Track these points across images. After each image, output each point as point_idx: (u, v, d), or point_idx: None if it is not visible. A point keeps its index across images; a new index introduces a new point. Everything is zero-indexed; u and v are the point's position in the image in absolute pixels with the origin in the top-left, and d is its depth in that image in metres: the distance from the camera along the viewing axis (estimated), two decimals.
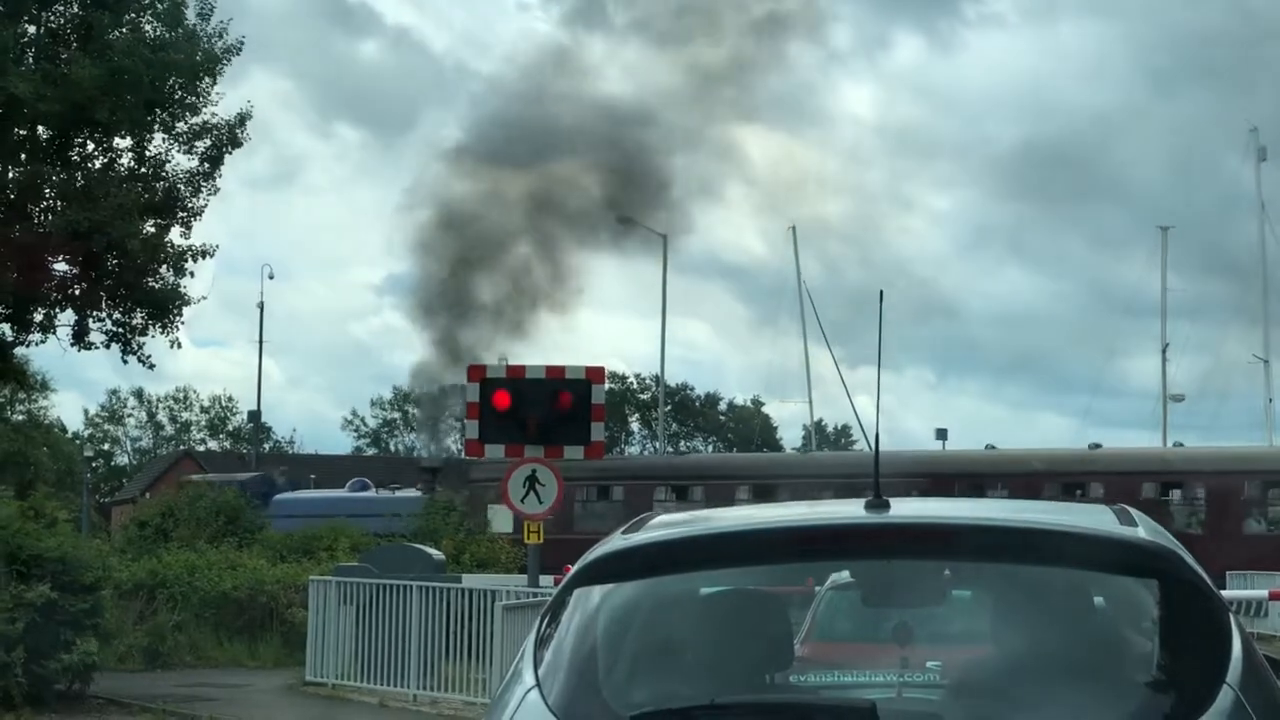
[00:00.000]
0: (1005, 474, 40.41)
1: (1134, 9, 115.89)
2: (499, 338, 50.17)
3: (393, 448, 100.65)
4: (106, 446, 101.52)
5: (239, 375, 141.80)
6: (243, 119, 28.07)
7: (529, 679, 4.30)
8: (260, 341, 69.42)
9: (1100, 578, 4.46)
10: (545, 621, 4.53)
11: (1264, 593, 26.85)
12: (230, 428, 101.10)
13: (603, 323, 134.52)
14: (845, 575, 5.81)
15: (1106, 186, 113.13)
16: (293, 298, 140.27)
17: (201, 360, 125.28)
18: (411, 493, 43.42)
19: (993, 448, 44.08)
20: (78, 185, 26.96)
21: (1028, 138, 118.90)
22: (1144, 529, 4.53)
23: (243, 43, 28.06)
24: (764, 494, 40.14)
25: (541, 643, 4.44)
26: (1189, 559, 4.42)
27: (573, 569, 4.70)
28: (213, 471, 57.33)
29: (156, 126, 27.57)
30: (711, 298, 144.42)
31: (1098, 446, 43.47)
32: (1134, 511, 4.76)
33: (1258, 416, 61.03)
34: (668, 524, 4.84)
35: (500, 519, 42.45)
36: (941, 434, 55.66)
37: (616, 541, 4.68)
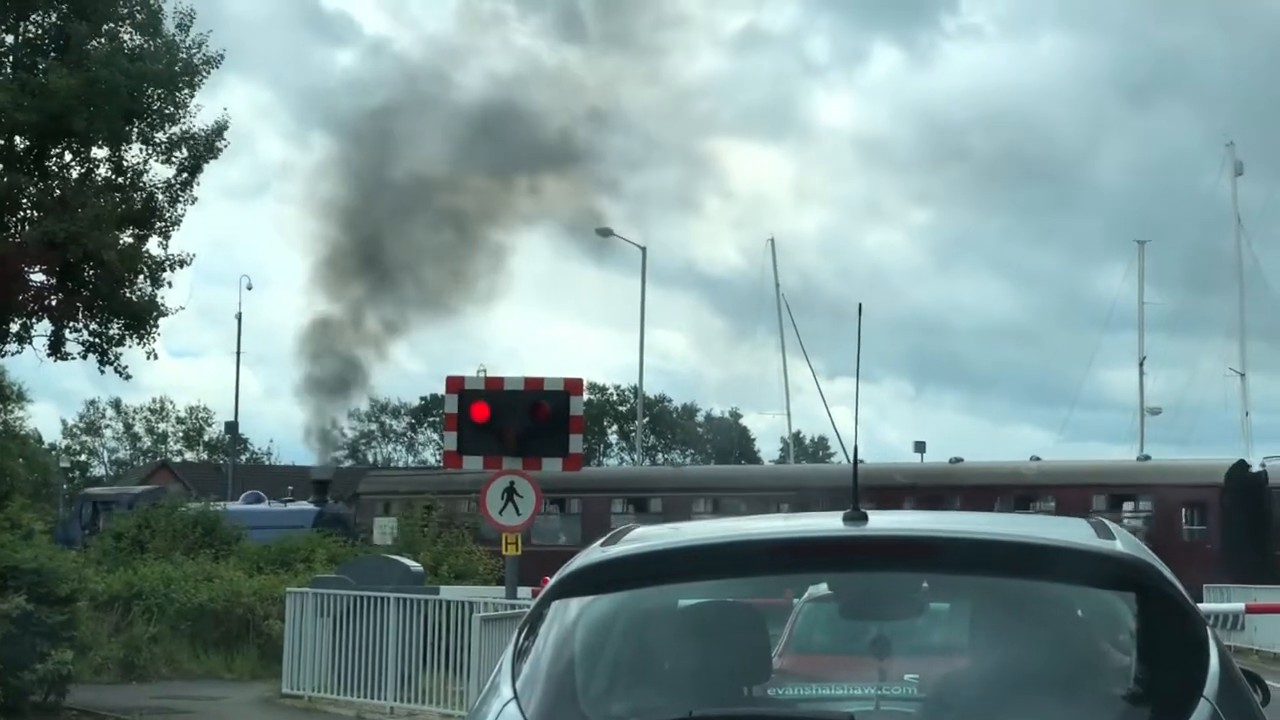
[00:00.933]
0: (870, 486, 40.20)
1: (1112, 23, 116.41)
2: (409, 312, 49.81)
3: (370, 459, 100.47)
4: (83, 457, 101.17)
5: (215, 386, 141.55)
6: (220, 129, 28.05)
7: (507, 691, 4.29)
8: (238, 352, 69.26)
9: (1078, 591, 4.47)
10: (523, 634, 4.52)
11: (1240, 606, 26.94)
12: (207, 439, 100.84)
13: (581, 334, 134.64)
14: (823, 588, 5.80)
15: (1084, 199, 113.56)
16: (269, 308, 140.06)
17: (178, 371, 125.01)
18: (305, 505, 43.15)
19: (959, 460, 44.35)
20: (54, 195, 26.89)
21: (1006, 150, 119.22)
22: (1121, 542, 4.54)
23: (223, 55, 28.07)
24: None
25: (520, 655, 4.43)
26: (1167, 572, 4.43)
27: (551, 581, 4.70)
28: (191, 482, 57.16)
29: (134, 136, 27.52)
30: (689, 309, 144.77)
31: (959, 460, 44.09)
32: (1112, 525, 4.78)
33: (1234, 430, 61.27)
34: (646, 536, 4.84)
35: (380, 532, 43.25)
36: (920, 446, 55.62)
37: (595, 553, 4.67)
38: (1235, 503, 36.75)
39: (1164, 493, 37.70)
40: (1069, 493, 38.98)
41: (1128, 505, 39.17)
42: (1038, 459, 43.17)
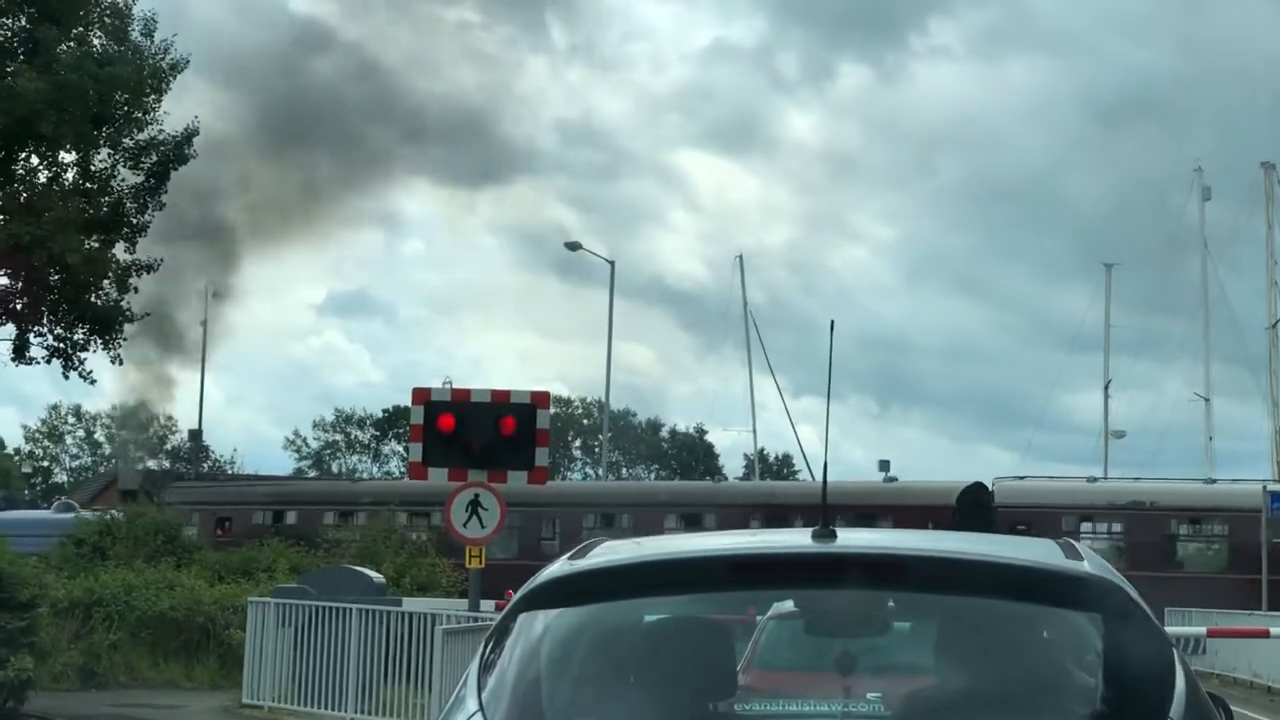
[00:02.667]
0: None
1: (1080, 45, 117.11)
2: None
3: (334, 469, 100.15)
4: (45, 463, 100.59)
5: (178, 393, 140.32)
6: (190, 136, 27.95)
7: (472, 705, 4.28)
8: (203, 360, 68.91)
9: (1045, 611, 4.47)
10: (489, 646, 4.51)
11: (1202, 630, 27.04)
12: (169, 446, 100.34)
13: (545, 347, 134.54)
14: (788, 605, 5.79)
15: (1052, 221, 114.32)
16: (232, 315, 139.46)
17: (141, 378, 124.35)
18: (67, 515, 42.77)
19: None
20: (20, 199, 26.76)
21: (974, 170, 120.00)
22: (1089, 563, 4.55)
23: (188, 60, 27.97)
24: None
25: (485, 668, 4.42)
26: (1133, 593, 4.43)
27: (517, 593, 4.68)
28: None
29: (102, 141, 27.41)
30: (654, 323, 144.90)
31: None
32: (1079, 545, 4.79)
33: (1198, 454, 61.56)
34: (614, 550, 4.83)
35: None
36: (884, 465, 55.70)
37: (562, 566, 4.66)
38: (965, 521, 37.99)
39: (903, 513, 39.15)
40: (811, 514, 39.61)
41: (878, 522, 39.61)
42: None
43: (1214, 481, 43.69)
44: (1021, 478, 42.98)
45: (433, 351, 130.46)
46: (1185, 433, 64.51)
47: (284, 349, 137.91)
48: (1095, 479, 44.17)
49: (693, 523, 41.80)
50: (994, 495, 40.99)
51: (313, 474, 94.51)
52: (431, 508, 45.52)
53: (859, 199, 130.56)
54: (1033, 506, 39.43)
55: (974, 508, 39.50)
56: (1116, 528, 39.31)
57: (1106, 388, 65.51)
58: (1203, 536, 40.42)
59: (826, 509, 4.72)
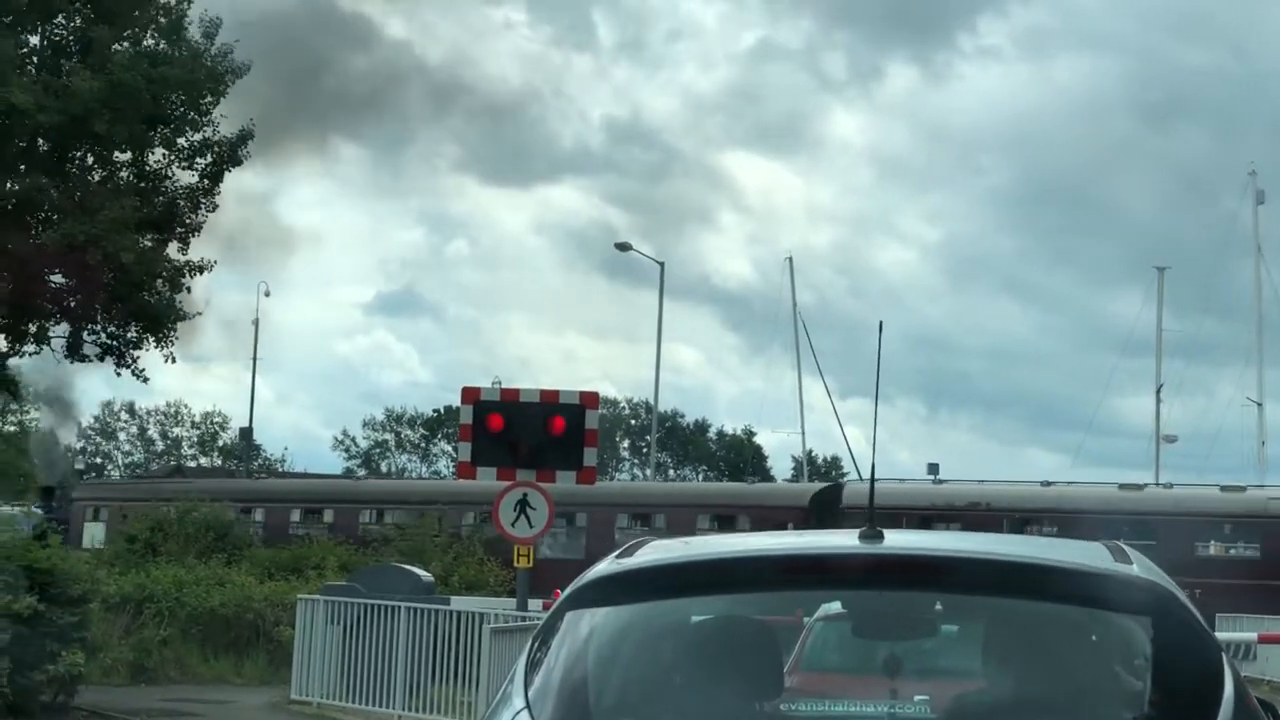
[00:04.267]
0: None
1: (1129, 45, 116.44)
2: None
3: (384, 469, 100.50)
4: (98, 460, 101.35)
5: (226, 391, 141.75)
6: (245, 137, 28.10)
7: (519, 702, 4.29)
8: (254, 359, 69.38)
9: (1093, 614, 4.45)
10: (537, 644, 4.52)
11: (1252, 635, 26.87)
12: (221, 444, 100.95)
13: (592, 347, 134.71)
14: (835, 606, 5.79)
15: (1102, 222, 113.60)
16: (280, 314, 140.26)
17: (188, 376, 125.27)
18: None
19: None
20: (75, 198, 26.96)
21: (1022, 171, 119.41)
22: (1138, 566, 4.53)
23: (249, 66, 28.09)
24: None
25: (533, 666, 4.43)
26: (1183, 597, 4.41)
27: (565, 592, 4.70)
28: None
29: (156, 141, 27.60)
30: (701, 324, 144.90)
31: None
32: (1128, 549, 4.76)
33: (1250, 459, 61.02)
34: (661, 549, 4.84)
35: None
36: (933, 468, 55.49)
37: (610, 565, 4.67)
38: (819, 522, 39.55)
39: (758, 513, 41.82)
40: (679, 512, 43.45)
41: (738, 523, 42.68)
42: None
43: (1142, 487, 43.58)
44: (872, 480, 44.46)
45: (479, 351, 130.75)
46: (1237, 437, 63.95)
47: (332, 348, 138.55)
48: (941, 480, 44.92)
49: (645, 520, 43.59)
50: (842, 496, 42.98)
51: (361, 473, 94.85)
52: (332, 505, 47.44)
53: (906, 200, 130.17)
54: (878, 508, 39.92)
55: (825, 508, 41.51)
56: (955, 527, 39.37)
57: (1158, 392, 65.04)
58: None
59: (874, 511, 4.72)
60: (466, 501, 44.03)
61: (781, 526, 39.04)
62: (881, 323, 5.40)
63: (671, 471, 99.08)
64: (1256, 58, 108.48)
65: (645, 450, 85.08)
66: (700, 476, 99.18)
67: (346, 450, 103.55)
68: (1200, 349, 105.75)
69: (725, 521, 43.20)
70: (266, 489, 51.18)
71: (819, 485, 47.68)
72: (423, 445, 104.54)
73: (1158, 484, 44.53)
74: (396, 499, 48.92)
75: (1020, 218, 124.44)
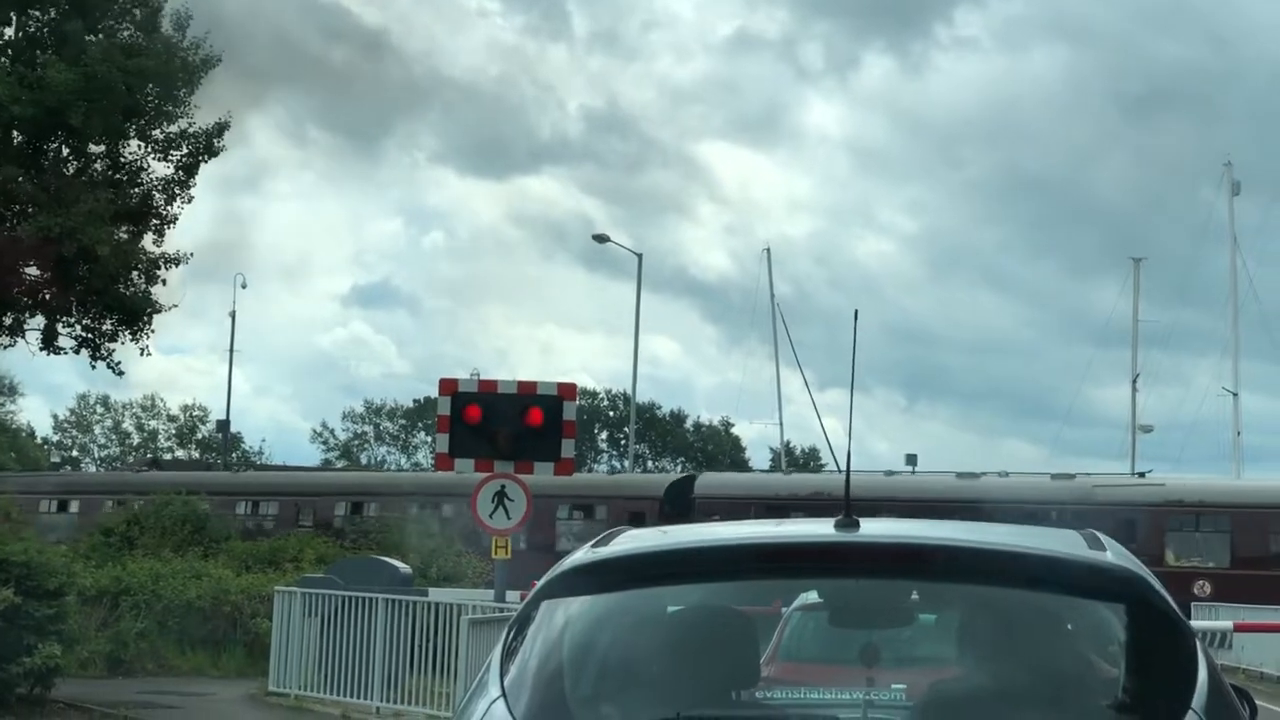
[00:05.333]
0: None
1: (1106, 36, 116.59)
2: None
3: (363, 460, 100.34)
4: (74, 453, 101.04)
5: (203, 384, 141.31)
6: (221, 129, 28.01)
7: (495, 690, 4.30)
8: (231, 350, 69.25)
9: (1068, 602, 4.47)
10: (513, 634, 4.52)
11: (1229, 624, 26.98)
12: (199, 437, 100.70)
13: (569, 338, 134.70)
14: (813, 596, 5.80)
15: (1080, 213, 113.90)
16: (257, 306, 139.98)
17: (165, 368, 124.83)
18: None
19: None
20: (50, 190, 26.85)
21: (1001, 162, 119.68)
22: (1111, 553, 4.55)
23: (220, 58, 28.01)
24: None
25: (509, 654, 4.43)
26: (1156, 584, 4.43)
27: (540, 581, 4.70)
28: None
29: (132, 133, 27.50)
30: (678, 315, 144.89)
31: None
32: (1103, 536, 4.78)
33: (1226, 448, 61.30)
34: (636, 538, 4.84)
35: None
36: (911, 459, 55.54)
37: (585, 554, 4.68)
38: (673, 513, 41.04)
39: (616, 503, 43.46)
40: (538, 502, 42.88)
41: (596, 513, 44.22)
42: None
43: (978, 475, 44.98)
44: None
45: (457, 343, 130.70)
46: (1214, 427, 64.25)
47: (308, 340, 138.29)
48: (790, 471, 46.54)
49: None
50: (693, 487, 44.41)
51: (340, 465, 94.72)
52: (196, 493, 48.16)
53: (885, 191, 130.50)
54: (725, 498, 42.30)
55: (677, 498, 43.14)
56: (798, 516, 41.05)
57: (1135, 382, 65.24)
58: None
59: (850, 499, 4.73)
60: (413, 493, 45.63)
61: (639, 516, 41.29)
62: (857, 311, 5.36)
63: (650, 463, 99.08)
64: (1233, 48, 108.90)
65: (623, 442, 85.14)
66: (679, 467, 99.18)
67: (325, 442, 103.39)
68: (1177, 339, 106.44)
69: (584, 511, 44.67)
70: (138, 482, 51.50)
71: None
72: (401, 437, 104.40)
73: (996, 473, 45.72)
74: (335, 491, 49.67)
75: (999, 209, 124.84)
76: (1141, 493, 40.31)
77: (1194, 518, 38.87)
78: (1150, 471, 42.71)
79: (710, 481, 44.29)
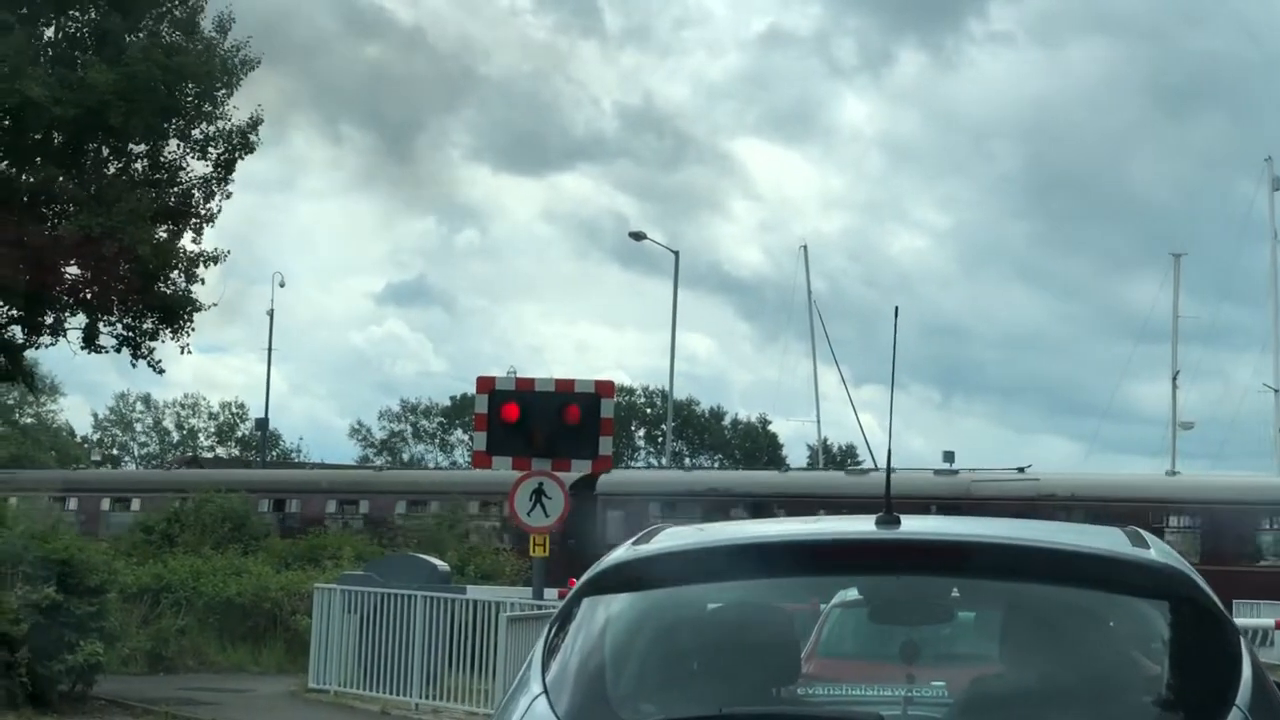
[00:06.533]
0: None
1: (1143, 29, 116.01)
2: None
3: (403, 458, 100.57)
4: (115, 451, 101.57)
5: (240, 382, 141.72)
6: (255, 123, 28.13)
7: (536, 687, 4.31)
8: (269, 349, 69.51)
9: (1110, 599, 4.45)
10: (554, 630, 4.54)
11: (1270, 621, 26.79)
12: (238, 435, 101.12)
13: (605, 336, 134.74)
14: (852, 593, 5.79)
15: (1116, 208, 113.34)
16: (293, 304, 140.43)
17: (202, 366, 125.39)
18: None
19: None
20: (91, 190, 27.02)
21: (1035, 157, 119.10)
22: (1155, 551, 4.53)
23: (259, 60, 28.14)
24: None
25: (550, 651, 4.44)
26: (1200, 581, 4.41)
27: (581, 578, 4.71)
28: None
29: (171, 133, 27.65)
30: (713, 312, 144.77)
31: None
32: (1145, 534, 4.76)
33: (1267, 445, 60.89)
34: (678, 535, 4.85)
35: None
36: (949, 456, 55.34)
37: (626, 551, 4.68)
38: (576, 509, 40.30)
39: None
40: (452, 500, 45.15)
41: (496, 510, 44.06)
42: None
43: (866, 472, 45.12)
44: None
45: (492, 340, 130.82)
46: (1254, 423, 63.78)
47: (345, 338, 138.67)
48: (693, 468, 47.00)
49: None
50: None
51: (378, 462, 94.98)
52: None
53: (918, 187, 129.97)
54: (626, 494, 42.75)
55: (581, 490, 43.26)
56: (695, 511, 42.21)
57: (1175, 378, 64.93)
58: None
59: (890, 496, 4.72)
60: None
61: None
62: (897, 308, 5.39)
63: (687, 460, 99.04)
64: (1270, 42, 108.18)
65: (660, 439, 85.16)
66: (716, 465, 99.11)
67: (363, 439, 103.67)
68: (1217, 335, 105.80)
69: (489, 508, 44.65)
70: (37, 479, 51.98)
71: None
72: (439, 434, 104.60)
73: (878, 468, 46.68)
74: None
75: (1033, 204, 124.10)
76: (1017, 488, 40.77)
77: (1065, 512, 39.05)
78: (1029, 467, 43.12)
79: (613, 479, 44.22)
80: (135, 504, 47.71)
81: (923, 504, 38.86)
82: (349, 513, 45.79)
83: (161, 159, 27.90)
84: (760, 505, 42.24)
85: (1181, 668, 4.25)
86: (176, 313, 27.83)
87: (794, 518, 5.87)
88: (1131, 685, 4.35)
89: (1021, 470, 43.42)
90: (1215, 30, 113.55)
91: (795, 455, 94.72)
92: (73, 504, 48.81)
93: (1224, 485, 41.20)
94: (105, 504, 49.01)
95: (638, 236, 59.04)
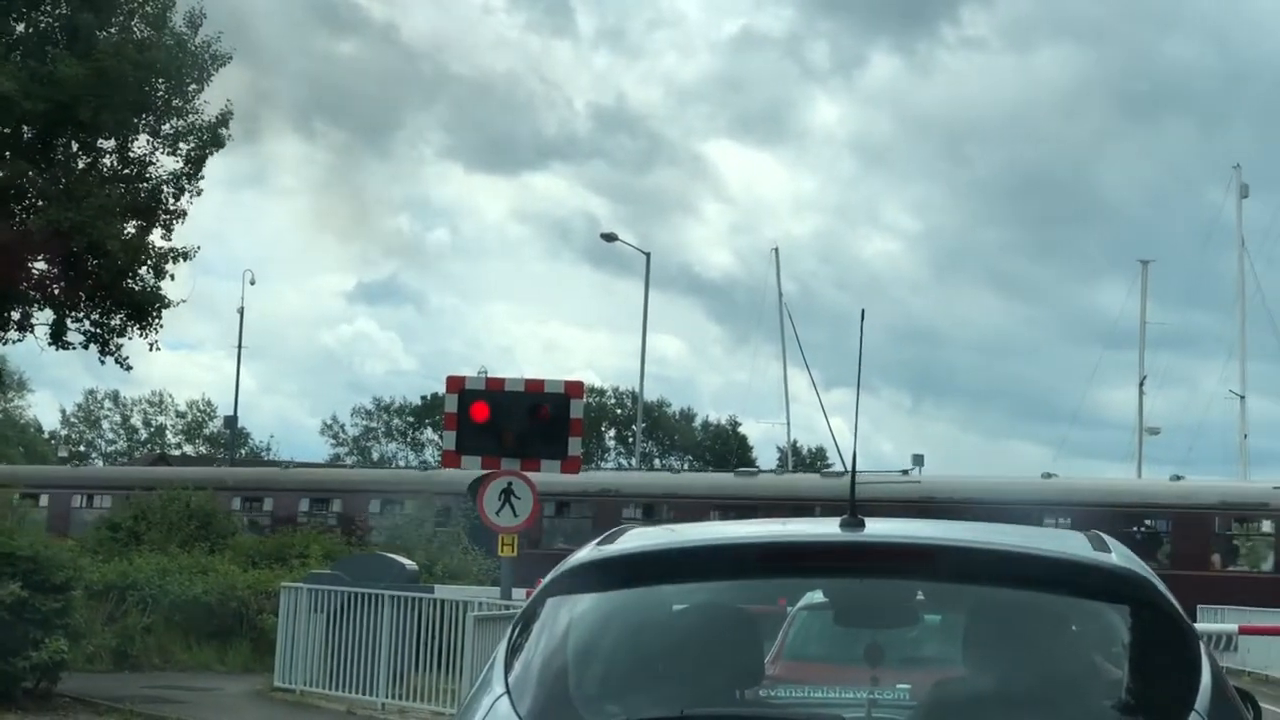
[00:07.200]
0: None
1: (1115, 37, 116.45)
2: None
3: (374, 455, 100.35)
4: (82, 448, 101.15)
5: (210, 380, 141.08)
6: (225, 118, 28.03)
7: (499, 687, 4.30)
8: (239, 346, 69.32)
9: (1072, 603, 4.47)
10: (517, 630, 4.53)
11: (1233, 626, 26.96)
12: (207, 432, 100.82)
13: (576, 336, 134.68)
14: (818, 595, 5.80)
15: (1086, 214, 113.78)
16: (262, 302, 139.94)
17: (172, 364, 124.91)
18: None
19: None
20: (60, 185, 26.89)
21: (1006, 163, 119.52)
22: (1116, 555, 4.55)
23: (231, 55, 28.04)
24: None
25: (513, 651, 4.44)
26: (1161, 586, 4.43)
27: (545, 579, 4.71)
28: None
29: (142, 129, 27.53)
30: (684, 314, 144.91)
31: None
32: (1107, 538, 4.78)
33: (1233, 451, 61.21)
34: (642, 536, 4.85)
35: None
36: (918, 460, 55.44)
37: (591, 552, 4.68)
38: (470, 510, 41.40)
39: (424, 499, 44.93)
40: (354, 498, 46.85)
41: (403, 507, 45.38)
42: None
43: (755, 474, 47.82)
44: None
45: (463, 340, 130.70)
46: (1221, 430, 64.13)
47: (315, 336, 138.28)
48: (596, 469, 48.11)
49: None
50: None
51: (350, 461, 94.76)
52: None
53: (890, 191, 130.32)
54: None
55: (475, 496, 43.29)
56: (586, 511, 43.47)
57: (1141, 384, 65.22)
58: (653, 520, 44.40)
59: (854, 499, 4.73)
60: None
61: (446, 511, 42.43)
62: (863, 311, 5.41)
63: (657, 461, 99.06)
64: (1238, 49, 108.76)
65: (631, 440, 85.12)
66: (686, 466, 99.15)
67: (335, 437, 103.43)
68: (1184, 341, 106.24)
69: (391, 506, 45.87)
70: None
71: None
72: (409, 433, 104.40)
73: (765, 469, 47.60)
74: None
75: (1004, 209, 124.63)
76: (900, 490, 41.46)
77: (945, 515, 39.76)
78: (911, 470, 43.83)
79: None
80: (106, 501, 47.92)
81: (808, 506, 40.15)
82: (254, 509, 46.59)
83: (131, 154, 27.78)
84: (651, 507, 43.75)
85: (1142, 672, 4.27)
86: (145, 309, 27.70)
87: (761, 520, 5.88)
88: (1093, 689, 4.37)
89: (905, 473, 44.20)
90: (1184, 37, 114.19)
91: (765, 457, 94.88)
92: (44, 500, 49.00)
93: (1094, 488, 42.25)
94: (76, 501, 49.00)
95: (609, 238, 59.09)
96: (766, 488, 43.99)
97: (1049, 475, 44.17)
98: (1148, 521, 39.61)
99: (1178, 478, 45.39)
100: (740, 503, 41.40)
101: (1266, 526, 41.40)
